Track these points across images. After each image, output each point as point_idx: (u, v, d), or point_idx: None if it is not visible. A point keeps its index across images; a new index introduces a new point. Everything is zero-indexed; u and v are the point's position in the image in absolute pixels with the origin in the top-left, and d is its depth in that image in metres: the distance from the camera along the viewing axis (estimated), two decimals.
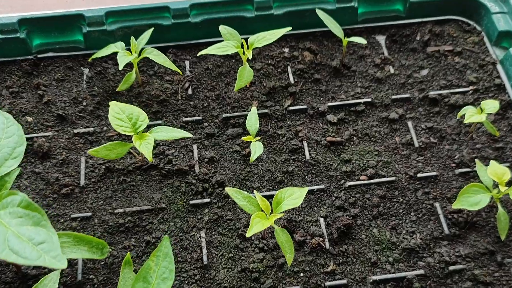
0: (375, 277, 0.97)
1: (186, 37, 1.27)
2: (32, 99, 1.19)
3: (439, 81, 1.21)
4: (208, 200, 1.06)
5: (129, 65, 1.22)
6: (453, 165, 1.10)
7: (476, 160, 1.03)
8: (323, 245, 1.00)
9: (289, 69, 1.24)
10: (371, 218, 1.04)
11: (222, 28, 1.16)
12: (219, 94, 1.20)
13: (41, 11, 1.28)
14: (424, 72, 1.23)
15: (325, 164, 1.10)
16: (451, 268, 0.98)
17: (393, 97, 1.19)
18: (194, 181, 1.08)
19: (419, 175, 1.08)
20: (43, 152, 1.11)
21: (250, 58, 1.12)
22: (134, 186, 1.08)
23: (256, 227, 0.89)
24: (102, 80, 1.22)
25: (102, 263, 0.99)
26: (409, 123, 1.16)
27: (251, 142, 1.07)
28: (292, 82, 1.22)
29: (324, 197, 1.07)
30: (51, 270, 0.94)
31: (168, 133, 1.03)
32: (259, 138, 1.09)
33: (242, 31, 1.20)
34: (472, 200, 0.98)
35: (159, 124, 1.15)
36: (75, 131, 1.14)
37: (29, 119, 1.16)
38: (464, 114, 1.08)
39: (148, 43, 1.20)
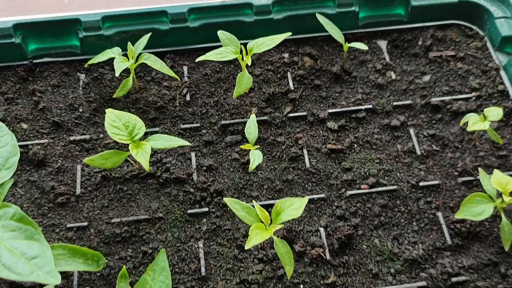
0: None
1: (184, 42, 1.25)
2: (27, 106, 1.17)
3: (441, 87, 1.19)
4: (206, 209, 1.04)
5: (126, 71, 1.20)
6: (456, 173, 1.08)
7: (479, 168, 1.01)
8: (323, 256, 0.98)
9: (289, 74, 1.22)
10: (372, 228, 1.02)
11: (220, 34, 1.14)
12: (217, 101, 1.18)
13: (37, 15, 1.26)
14: (426, 78, 1.21)
15: (326, 173, 1.08)
16: (454, 279, 0.96)
17: (395, 103, 1.17)
18: (192, 190, 1.06)
19: (421, 183, 1.07)
20: (38, 160, 1.09)
21: (249, 64, 1.10)
22: (131, 195, 1.06)
23: (255, 239, 0.87)
24: (98, 86, 1.20)
25: (98, 274, 0.97)
26: (411, 130, 1.14)
27: (250, 150, 1.05)
28: (292, 88, 1.20)
29: (324, 206, 1.05)
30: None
31: (165, 141, 1.01)
32: (258, 146, 1.07)
33: (241, 36, 1.18)
34: (475, 210, 0.96)
35: (156, 131, 1.14)
36: (71, 138, 1.12)
37: (24, 126, 1.14)
38: (467, 122, 1.06)
39: (146, 48, 1.18)
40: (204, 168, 1.09)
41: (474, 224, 1.02)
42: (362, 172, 1.08)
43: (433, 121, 1.15)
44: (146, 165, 0.96)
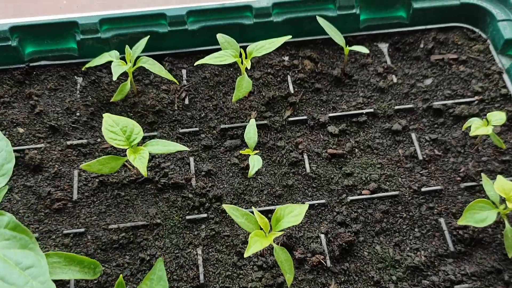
0: None
1: (183, 45, 1.23)
2: (23, 110, 1.15)
3: (443, 91, 1.18)
4: (205, 215, 1.03)
5: (124, 74, 1.18)
6: (458, 178, 1.07)
7: (482, 174, 1.00)
8: (324, 263, 0.97)
9: (289, 78, 1.20)
10: (373, 235, 1.01)
11: (219, 37, 1.12)
12: (216, 104, 1.17)
13: (34, 17, 1.24)
14: (428, 81, 1.20)
15: (326, 178, 1.07)
16: (457, 287, 0.94)
17: (396, 107, 1.16)
18: (190, 195, 1.05)
19: (423, 189, 1.05)
20: (34, 165, 1.07)
21: (248, 68, 1.09)
22: (129, 201, 1.05)
23: (254, 246, 0.85)
24: (96, 89, 1.19)
25: (95, 281, 0.96)
26: (413, 135, 1.12)
27: (249, 155, 1.03)
28: (292, 91, 1.18)
29: (325, 212, 1.03)
30: None
31: (163, 146, 1.00)
32: (258, 151, 1.06)
33: (240, 38, 1.17)
34: (478, 216, 0.95)
35: (154, 136, 1.12)
36: (68, 142, 1.11)
37: (21, 130, 1.12)
38: (470, 126, 1.05)
39: (144, 51, 1.16)
40: (203, 173, 1.08)
41: (477, 230, 1.00)
42: (363, 177, 1.07)
43: (435, 125, 1.14)
44: (144, 171, 0.94)
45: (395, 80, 1.20)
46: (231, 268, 0.97)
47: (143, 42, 1.14)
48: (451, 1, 1.26)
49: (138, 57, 1.13)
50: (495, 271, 0.96)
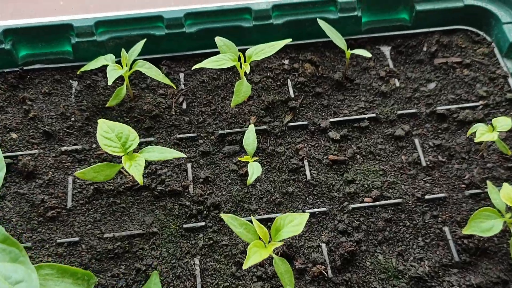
0: None
1: (181, 48, 1.21)
2: (17, 114, 1.13)
3: (447, 95, 1.15)
4: (203, 223, 1.00)
5: (121, 78, 1.16)
6: (463, 186, 1.04)
7: (487, 181, 0.97)
8: (325, 273, 0.94)
9: (289, 82, 1.17)
10: (376, 244, 0.98)
11: (218, 40, 1.09)
12: (215, 109, 1.14)
13: (27, 19, 1.22)
14: (431, 85, 1.17)
15: (327, 185, 1.04)
16: None
17: (399, 112, 1.13)
18: (188, 203, 1.02)
19: (426, 196, 1.02)
20: (28, 172, 1.04)
21: (247, 72, 1.06)
22: (125, 209, 1.02)
23: (253, 257, 0.82)
24: (91, 94, 1.16)
25: None
26: (416, 141, 1.09)
27: (248, 162, 1.00)
28: (292, 96, 1.15)
29: (326, 221, 1.01)
30: None
31: (160, 153, 0.97)
32: (257, 157, 1.03)
33: (239, 41, 1.14)
34: (484, 226, 0.92)
35: (151, 141, 1.09)
36: (63, 148, 1.08)
37: (14, 135, 1.09)
38: (475, 132, 1.02)
39: (141, 54, 1.14)
40: (201, 180, 1.05)
41: (483, 239, 0.97)
42: (365, 185, 1.04)
43: (439, 131, 1.11)
44: (139, 179, 0.91)
45: (397, 84, 1.17)
46: (229, 279, 0.94)
47: (139, 45, 1.11)
48: (454, 3, 1.23)
49: (134, 61, 1.11)
50: (501, 282, 0.94)
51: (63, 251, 0.97)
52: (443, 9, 1.23)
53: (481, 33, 1.24)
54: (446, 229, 0.99)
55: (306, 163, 1.06)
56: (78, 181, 1.05)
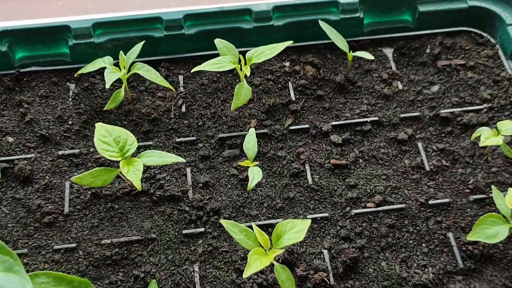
0: None
1: (180, 50, 1.19)
2: (13, 118, 1.11)
3: (450, 98, 1.13)
4: (203, 229, 0.98)
5: (119, 80, 1.14)
6: (467, 191, 1.02)
7: (492, 186, 0.95)
8: (327, 281, 0.92)
9: (290, 84, 1.16)
10: (379, 250, 0.96)
11: (218, 42, 1.07)
12: (215, 112, 1.12)
13: (24, 20, 1.20)
14: (435, 88, 1.15)
15: (329, 190, 1.02)
16: None
17: (402, 115, 1.11)
18: (187, 209, 1.00)
19: (430, 202, 1.00)
20: (24, 176, 1.03)
21: (248, 75, 1.04)
22: (123, 214, 1.00)
23: (254, 265, 0.81)
24: (89, 96, 1.14)
25: None
26: (419, 144, 1.07)
27: (249, 167, 0.98)
28: (293, 99, 1.14)
29: (328, 226, 0.99)
30: None
31: (158, 158, 0.95)
32: (257, 162, 1.01)
33: (239, 43, 1.13)
34: (489, 232, 0.91)
35: (150, 145, 1.07)
36: (60, 152, 1.06)
37: (10, 139, 1.07)
38: (479, 136, 1.00)
39: (139, 56, 1.12)
40: (200, 184, 1.03)
41: (488, 246, 0.95)
42: (368, 189, 1.02)
43: (443, 134, 1.09)
44: (138, 185, 0.90)
45: (400, 86, 1.15)
46: (229, 286, 0.92)
47: (138, 47, 1.09)
48: (458, 4, 1.21)
49: (133, 63, 1.09)
50: None
51: (60, 257, 0.95)
52: (447, 10, 1.21)
53: (485, 34, 1.22)
54: (450, 235, 0.97)
55: (307, 167, 1.05)
56: (75, 185, 1.03)
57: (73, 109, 1.12)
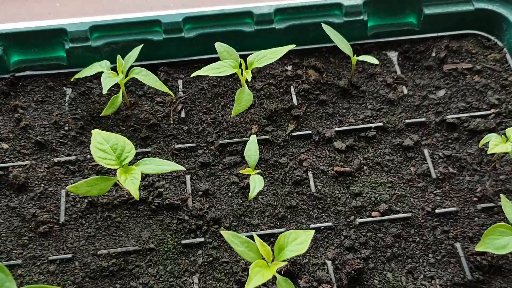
0: None
1: (179, 54, 1.16)
2: (8, 123, 1.08)
3: (457, 103, 1.10)
4: (202, 239, 0.95)
5: (116, 85, 1.11)
6: (475, 199, 0.99)
7: (501, 195, 0.92)
8: None
9: (292, 89, 1.13)
10: (384, 261, 0.93)
11: (218, 46, 1.04)
12: (215, 118, 1.09)
13: (20, 23, 1.17)
14: (441, 92, 1.12)
15: (333, 198, 0.99)
16: None
17: (407, 121, 1.08)
18: (186, 218, 0.97)
19: (437, 210, 0.98)
20: (19, 184, 1.00)
21: (249, 79, 1.01)
22: (120, 223, 0.97)
23: (255, 279, 0.78)
24: (86, 101, 1.11)
25: None
26: (425, 151, 1.04)
27: (250, 175, 0.95)
28: (296, 104, 1.11)
29: (331, 236, 0.96)
30: None
31: (157, 165, 0.92)
32: (259, 170, 0.98)
33: (240, 47, 1.10)
34: (498, 243, 0.88)
35: (148, 152, 1.05)
36: (56, 159, 1.03)
37: (5, 146, 1.05)
38: (487, 143, 0.97)
39: (137, 60, 1.08)
40: (200, 192, 1.00)
41: (496, 256, 0.93)
42: (373, 198, 0.99)
43: (449, 141, 1.06)
44: (135, 194, 0.87)
45: (405, 91, 1.12)
46: None
47: (136, 51, 1.06)
48: (464, 6, 1.18)
49: (131, 67, 1.06)
50: None
51: (55, 268, 0.92)
52: (453, 13, 1.18)
53: (492, 38, 1.19)
54: (457, 245, 0.94)
55: (310, 175, 1.02)
56: (72, 194, 1.00)
57: (70, 114, 1.09)
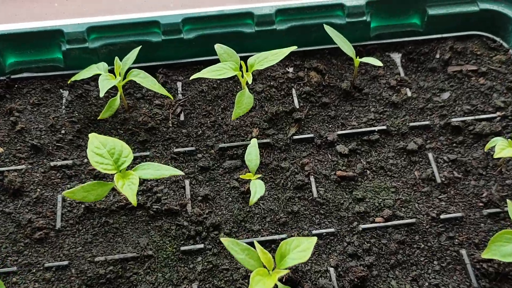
0: None
1: (178, 56, 1.14)
2: (3, 127, 1.06)
3: (462, 106, 1.08)
4: (202, 246, 0.93)
5: (114, 87, 1.09)
6: (481, 204, 0.97)
7: (507, 200, 0.90)
8: None
9: (293, 91, 1.10)
10: (388, 268, 0.91)
11: (218, 47, 1.02)
12: (215, 121, 1.07)
13: (16, 24, 1.15)
14: (445, 95, 1.10)
15: (335, 203, 0.97)
16: None
17: (411, 124, 1.06)
18: (186, 223, 0.95)
19: (442, 216, 0.95)
20: (14, 189, 0.98)
21: (249, 82, 0.99)
22: (118, 229, 0.95)
23: None
24: (83, 104, 1.09)
25: None
26: (430, 155, 1.02)
27: (250, 180, 0.93)
28: (297, 106, 1.09)
29: (334, 243, 0.94)
30: None
31: (155, 170, 0.90)
32: (260, 174, 0.96)
33: (240, 48, 1.08)
34: (505, 250, 0.85)
35: (146, 156, 1.02)
36: (52, 163, 1.01)
37: (0, 149, 1.02)
38: (493, 147, 0.95)
39: (136, 62, 1.07)
40: (200, 198, 0.98)
41: (503, 263, 0.90)
42: (376, 203, 0.97)
43: (454, 144, 1.04)
44: (133, 200, 0.85)
45: (409, 93, 1.10)
46: None
47: (134, 53, 1.04)
48: (469, 7, 1.16)
49: (129, 69, 1.04)
50: None
51: (51, 276, 0.90)
52: (457, 14, 1.16)
53: (497, 39, 1.17)
54: (463, 251, 0.92)
55: (312, 179, 0.99)
56: (68, 199, 0.98)
57: (66, 117, 1.07)
